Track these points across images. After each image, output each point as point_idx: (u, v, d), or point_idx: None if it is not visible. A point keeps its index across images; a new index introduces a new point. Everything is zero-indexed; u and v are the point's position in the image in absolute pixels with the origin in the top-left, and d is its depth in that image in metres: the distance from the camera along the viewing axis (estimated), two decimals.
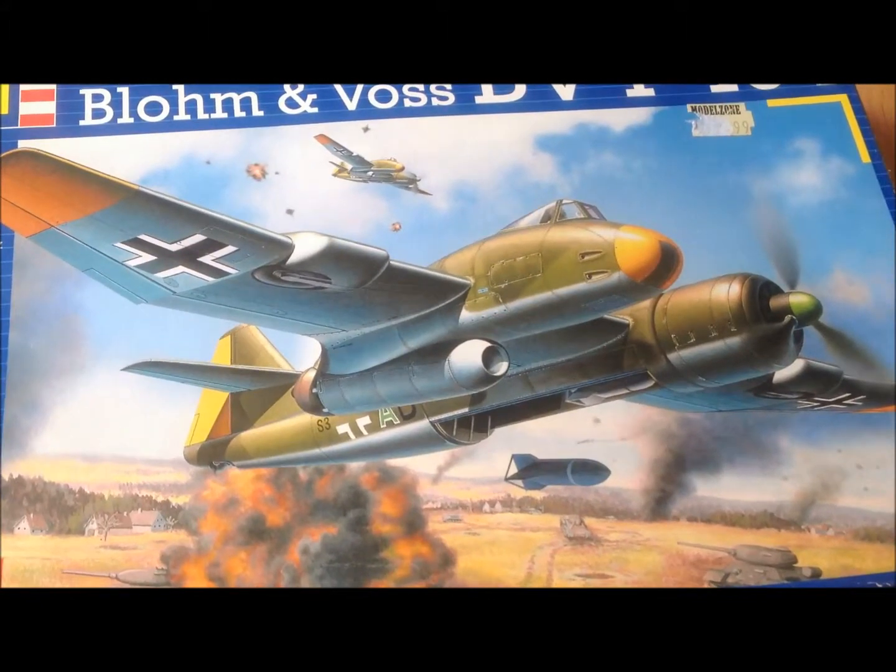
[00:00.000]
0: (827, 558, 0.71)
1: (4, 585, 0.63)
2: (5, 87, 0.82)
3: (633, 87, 0.90)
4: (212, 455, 0.79)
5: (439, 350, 0.76)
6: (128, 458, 0.69)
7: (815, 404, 0.80)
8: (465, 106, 0.87)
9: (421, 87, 0.87)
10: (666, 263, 0.74)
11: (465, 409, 0.77)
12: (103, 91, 0.82)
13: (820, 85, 0.93)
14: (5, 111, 0.80)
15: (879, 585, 0.70)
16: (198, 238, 0.71)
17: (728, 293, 0.77)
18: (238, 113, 0.83)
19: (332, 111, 0.85)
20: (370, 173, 0.82)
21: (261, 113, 0.84)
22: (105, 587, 0.64)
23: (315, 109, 0.85)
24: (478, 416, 0.76)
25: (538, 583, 0.68)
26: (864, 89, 0.94)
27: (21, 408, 0.69)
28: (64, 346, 0.72)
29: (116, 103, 0.82)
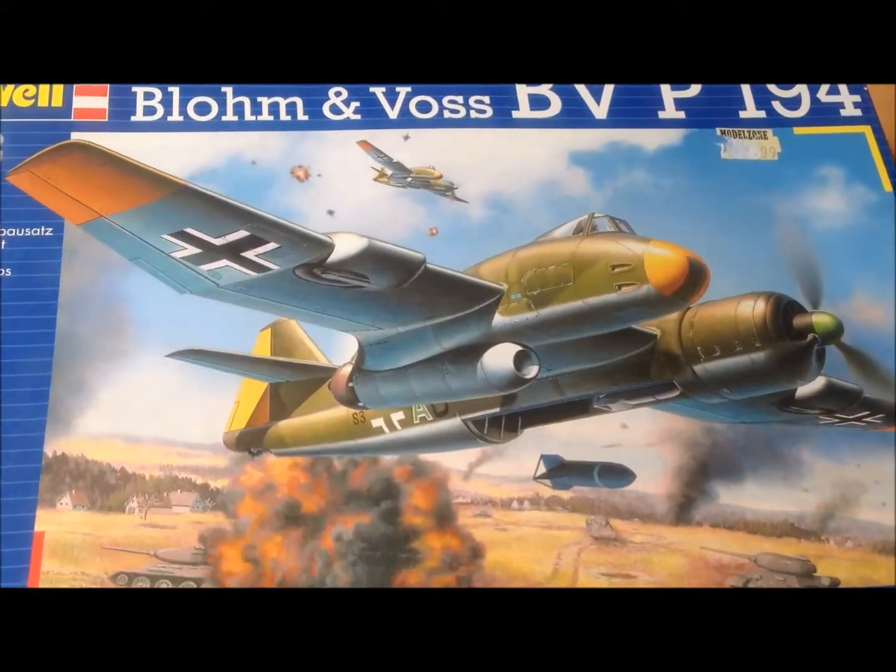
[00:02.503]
0: (845, 569, 0.73)
1: (45, 559, 0.65)
2: (58, 86, 0.84)
3: (664, 110, 0.93)
4: (250, 442, 0.80)
5: (472, 351, 0.77)
6: (169, 441, 0.71)
7: (836, 420, 0.81)
8: (503, 119, 0.89)
9: (460, 99, 0.89)
10: (693, 278, 0.76)
11: (497, 409, 0.78)
12: (155, 90, 0.85)
13: (844, 115, 0.96)
14: (59, 104, 0.82)
15: None
16: (242, 234, 0.73)
17: (753, 310, 0.79)
18: (284, 116, 0.86)
19: (374, 119, 0.87)
20: (409, 179, 0.85)
21: (305, 117, 0.86)
22: (143, 565, 0.65)
23: (358, 116, 0.87)
24: (508, 417, 0.78)
25: (564, 579, 0.69)
26: (887, 123, 0.97)
27: (67, 388, 0.71)
28: (110, 332, 0.74)
29: (167, 102, 0.84)
